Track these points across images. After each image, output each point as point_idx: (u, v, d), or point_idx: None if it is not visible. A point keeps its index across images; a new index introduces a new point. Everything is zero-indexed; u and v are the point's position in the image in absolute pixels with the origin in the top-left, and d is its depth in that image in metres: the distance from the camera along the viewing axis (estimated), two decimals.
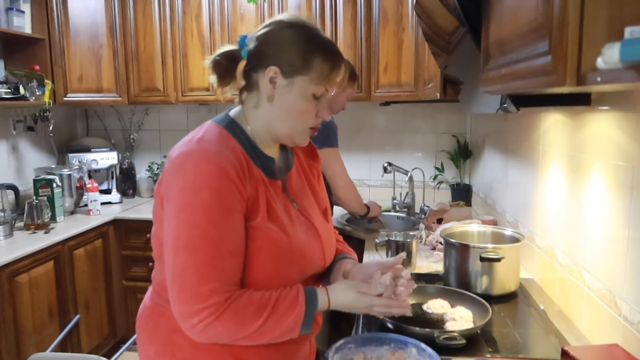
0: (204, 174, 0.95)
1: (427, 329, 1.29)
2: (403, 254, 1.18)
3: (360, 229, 2.57)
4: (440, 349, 1.18)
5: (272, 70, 1.01)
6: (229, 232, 0.96)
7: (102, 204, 3.20)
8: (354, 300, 1.05)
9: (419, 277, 1.84)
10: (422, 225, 2.43)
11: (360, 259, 1.99)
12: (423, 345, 1.15)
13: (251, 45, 1.04)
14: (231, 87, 1.09)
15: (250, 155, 1.05)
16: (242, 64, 1.05)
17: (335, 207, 2.43)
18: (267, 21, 1.06)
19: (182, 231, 0.95)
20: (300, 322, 1.00)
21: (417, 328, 1.30)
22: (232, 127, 1.06)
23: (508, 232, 1.81)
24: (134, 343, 2.03)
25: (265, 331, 0.98)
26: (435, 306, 1.47)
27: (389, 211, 2.94)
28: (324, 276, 1.22)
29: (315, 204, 1.20)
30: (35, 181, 2.86)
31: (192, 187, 0.95)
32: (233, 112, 1.11)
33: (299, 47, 1.01)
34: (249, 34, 1.06)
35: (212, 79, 1.10)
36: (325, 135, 2.23)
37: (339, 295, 1.06)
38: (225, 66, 1.07)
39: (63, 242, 2.62)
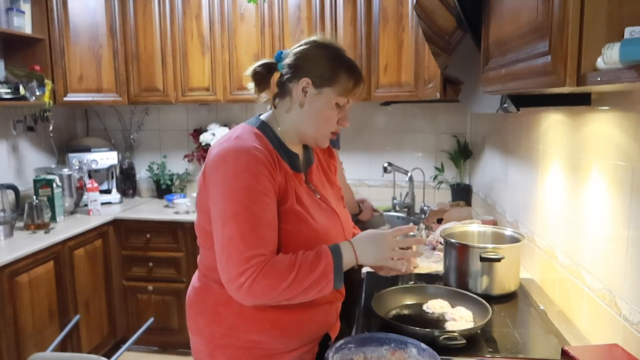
0: (244, 162, 1.13)
1: (427, 329, 1.29)
2: (412, 226, 1.39)
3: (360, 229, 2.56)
4: (440, 349, 1.18)
5: (305, 81, 1.20)
6: (267, 208, 1.14)
7: (102, 204, 3.20)
8: (376, 242, 1.20)
9: (419, 277, 1.84)
10: (422, 225, 2.43)
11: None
12: (423, 345, 1.15)
13: (288, 59, 1.23)
14: (266, 93, 1.28)
15: (279, 151, 1.23)
16: (276, 75, 1.27)
17: None
18: (303, 40, 1.27)
19: (227, 208, 1.12)
20: (330, 271, 1.13)
21: (417, 328, 1.30)
22: (264, 127, 1.25)
23: (508, 232, 1.81)
24: (134, 343, 2.04)
25: (300, 281, 1.11)
26: (435, 306, 1.47)
27: (389, 211, 2.94)
28: None
29: (333, 194, 1.39)
30: (35, 181, 2.87)
31: (234, 172, 1.12)
32: (264, 116, 1.29)
33: (328, 63, 1.21)
34: (285, 50, 1.27)
35: (250, 85, 1.28)
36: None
37: (361, 244, 1.20)
38: (262, 75, 1.27)
39: (63, 242, 2.62)
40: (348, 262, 1.18)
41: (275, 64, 1.26)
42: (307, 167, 1.33)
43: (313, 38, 1.26)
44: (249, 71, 1.27)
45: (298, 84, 1.21)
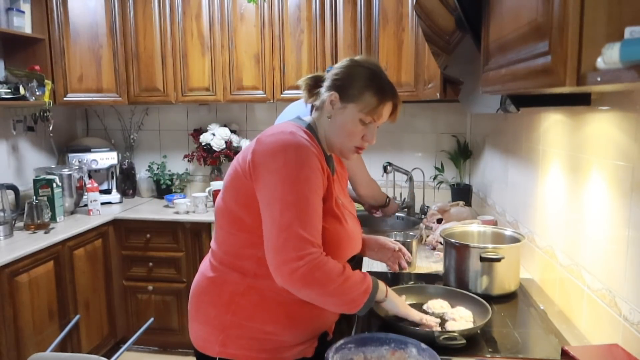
0: (305, 156, 1.19)
1: (427, 329, 1.29)
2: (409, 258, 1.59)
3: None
4: (440, 349, 1.18)
5: (333, 94, 1.29)
6: (320, 202, 1.22)
7: (102, 204, 3.20)
8: (405, 307, 1.36)
9: (419, 277, 1.84)
10: (422, 225, 2.43)
11: (361, 259, 1.99)
12: (423, 345, 1.15)
13: (329, 74, 1.35)
14: (314, 101, 1.37)
15: (324, 153, 1.31)
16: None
17: None
18: (347, 58, 1.36)
19: (288, 194, 1.16)
20: (367, 294, 1.22)
21: (417, 328, 1.30)
22: (312, 130, 1.33)
23: (508, 232, 1.81)
24: (134, 343, 2.03)
25: (344, 290, 1.19)
26: (435, 306, 1.47)
27: None
28: None
29: (349, 203, 1.47)
30: (35, 181, 2.86)
31: (297, 162, 1.18)
32: (307, 119, 1.38)
33: (358, 81, 1.29)
34: (335, 65, 1.39)
35: (303, 94, 1.39)
36: None
37: (392, 292, 1.35)
38: (311, 86, 1.37)
39: (63, 242, 2.62)
40: (379, 298, 1.29)
41: (322, 77, 1.37)
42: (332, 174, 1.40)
43: (356, 58, 1.36)
44: (300, 81, 1.39)
45: (328, 96, 1.30)
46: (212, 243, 1.38)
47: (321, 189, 1.22)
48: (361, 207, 2.78)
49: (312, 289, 1.17)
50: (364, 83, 1.29)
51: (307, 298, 1.20)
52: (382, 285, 1.31)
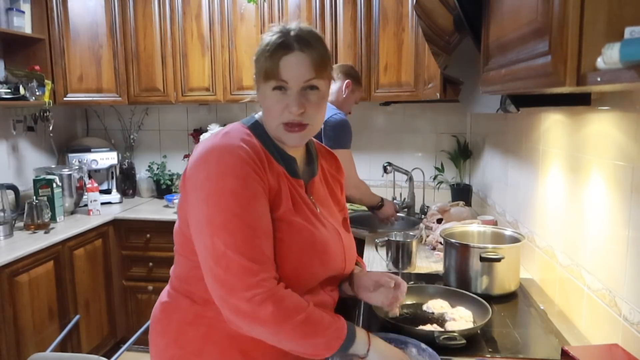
0: (228, 163, 1.01)
1: (427, 329, 1.29)
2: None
3: (360, 229, 2.57)
4: (440, 349, 1.18)
5: (254, 78, 1.12)
6: (259, 215, 1.02)
7: (102, 204, 3.20)
8: (395, 355, 1.09)
9: (419, 277, 1.84)
10: (422, 225, 2.43)
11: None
12: (423, 345, 1.15)
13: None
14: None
15: (273, 153, 1.11)
16: None
17: None
18: None
19: (214, 214, 0.99)
20: (337, 341, 1.02)
21: (417, 328, 1.30)
22: (256, 127, 1.13)
23: (508, 232, 1.81)
24: (134, 343, 2.03)
25: (305, 333, 1.00)
26: (435, 306, 1.47)
27: None
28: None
29: (337, 214, 1.26)
30: (35, 181, 2.86)
31: (217, 174, 1.00)
32: (258, 115, 1.18)
33: (256, 55, 1.10)
34: None
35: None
36: (340, 137, 2.30)
37: (379, 342, 1.08)
38: None
39: (63, 242, 2.62)
40: (357, 351, 1.05)
41: None
42: (309, 177, 1.20)
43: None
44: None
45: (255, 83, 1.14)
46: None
47: (259, 196, 1.02)
48: (363, 207, 2.79)
49: (264, 327, 0.98)
50: (260, 50, 1.09)
51: (261, 337, 1.02)
52: (361, 334, 1.06)
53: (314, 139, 1.27)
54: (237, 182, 1.00)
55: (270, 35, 1.09)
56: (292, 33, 1.07)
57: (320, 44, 1.09)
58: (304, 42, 1.06)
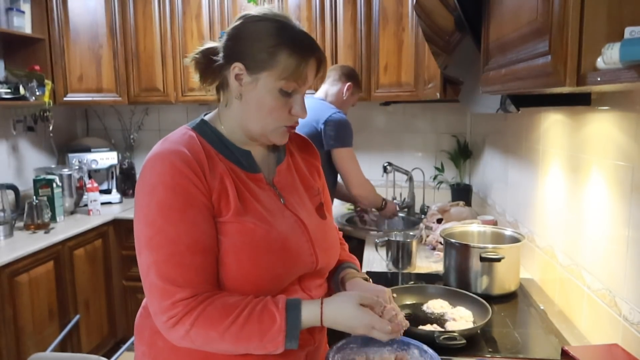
0: (158, 173, 0.95)
1: (427, 329, 1.29)
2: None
3: (360, 229, 2.57)
4: (440, 349, 1.17)
5: (237, 67, 0.98)
6: (187, 228, 0.93)
7: (102, 204, 3.20)
8: (353, 317, 0.97)
9: (419, 277, 1.84)
10: (422, 225, 2.43)
11: (360, 259, 1.99)
12: (425, 347, 1.15)
13: (224, 39, 1.01)
14: (213, 86, 1.05)
15: (222, 151, 1.03)
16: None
17: (333, 207, 2.44)
18: (238, 15, 1.03)
19: (141, 231, 0.95)
20: (281, 331, 0.93)
21: (418, 328, 1.30)
22: (201, 127, 1.05)
23: (508, 232, 1.81)
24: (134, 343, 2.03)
25: (237, 335, 0.93)
26: (435, 306, 1.47)
27: None
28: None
29: (308, 200, 1.14)
30: (35, 181, 2.86)
31: (148, 185, 0.95)
32: (208, 115, 1.09)
33: (264, 41, 0.97)
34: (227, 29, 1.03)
35: (196, 77, 1.05)
36: (342, 135, 2.31)
37: (335, 309, 0.98)
38: (204, 64, 1.03)
39: (63, 242, 2.62)
40: (308, 322, 0.96)
41: (215, 49, 1.02)
42: (273, 166, 1.11)
43: (249, 11, 1.02)
44: (188, 60, 1.03)
45: (230, 70, 0.99)
46: None
47: (192, 206, 0.94)
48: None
49: (189, 344, 0.95)
50: (272, 41, 0.96)
51: (206, 349, 0.96)
52: (308, 305, 0.97)
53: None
54: (166, 192, 0.93)
55: (291, 27, 0.99)
56: (299, 28, 1.01)
57: None
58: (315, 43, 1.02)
